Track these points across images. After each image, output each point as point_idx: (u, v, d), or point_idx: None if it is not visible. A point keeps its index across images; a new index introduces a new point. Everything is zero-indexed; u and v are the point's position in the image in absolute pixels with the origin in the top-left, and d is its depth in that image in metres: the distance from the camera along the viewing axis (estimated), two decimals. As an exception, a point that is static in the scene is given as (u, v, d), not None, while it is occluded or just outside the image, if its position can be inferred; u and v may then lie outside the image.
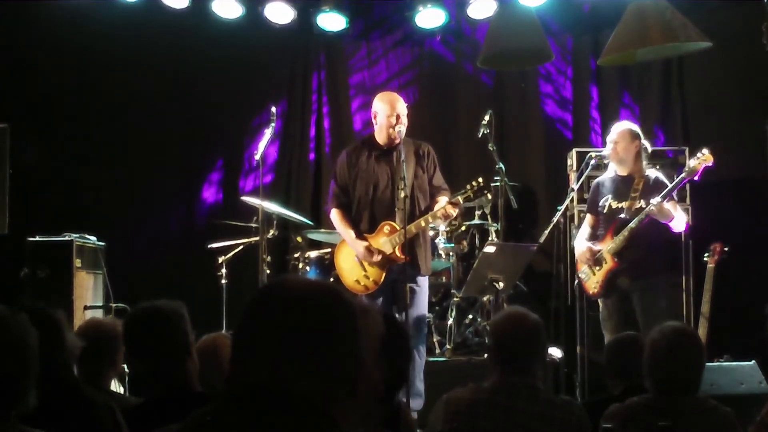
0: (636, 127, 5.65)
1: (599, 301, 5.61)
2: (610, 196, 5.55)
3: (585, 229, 5.72)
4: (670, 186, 5.31)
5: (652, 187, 5.41)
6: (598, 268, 5.47)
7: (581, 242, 5.66)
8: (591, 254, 5.49)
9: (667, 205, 5.27)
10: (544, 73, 7.48)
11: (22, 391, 2.01)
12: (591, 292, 5.56)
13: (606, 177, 5.66)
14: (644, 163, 5.55)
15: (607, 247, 5.42)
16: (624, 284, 5.45)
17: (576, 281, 5.73)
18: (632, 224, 5.32)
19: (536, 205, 7.33)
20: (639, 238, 5.35)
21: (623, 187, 5.51)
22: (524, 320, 3.04)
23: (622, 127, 5.63)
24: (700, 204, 6.33)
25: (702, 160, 5.22)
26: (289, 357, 1.43)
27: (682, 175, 5.29)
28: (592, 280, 5.51)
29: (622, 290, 5.46)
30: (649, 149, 5.67)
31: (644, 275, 5.41)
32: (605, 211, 5.54)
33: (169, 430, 1.52)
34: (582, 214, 6.31)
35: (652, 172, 5.57)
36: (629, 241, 5.34)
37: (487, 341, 5.81)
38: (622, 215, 5.41)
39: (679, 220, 5.37)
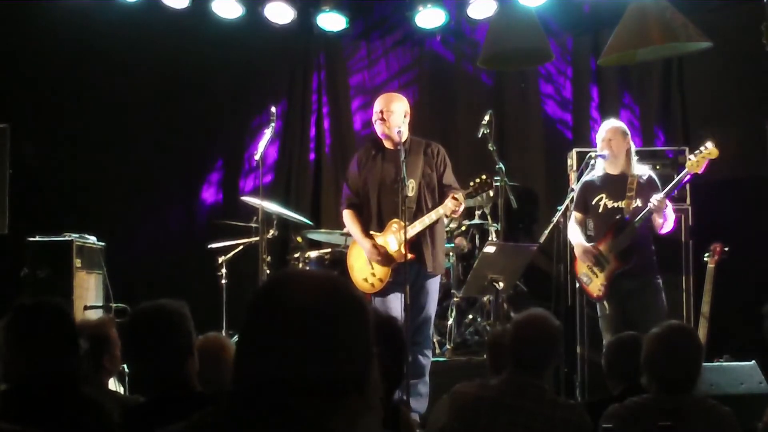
0: (624, 125, 5.65)
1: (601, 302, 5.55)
2: (604, 195, 5.49)
3: (575, 227, 5.64)
4: (671, 183, 5.29)
5: (646, 186, 5.39)
6: (599, 269, 5.43)
7: (579, 240, 5.56)
8: (592, 255, 5.44)
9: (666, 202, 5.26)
10: (544, 73, 7.48)
11: None
12: (595, 295, 5.47)
13: (595, 176, 5.59)
14: (633, 161, 5.52)
15: (608, 247, 5.40)
16: (625, 284, 5.41)
17: (577, 285, 5.67)
18: (636, 223, 5.30)
19: (536, 205, 7.33)
20: (641, 238, 5.35)
21: (617, 185, 5.46)
22: (546, 325, 3.07)
23: (612, 124, 5.60)
24: (700, 204, 6.33)
25: (706, 153, 5.16)
26: (297, 354, 1.40)
27: (684, 171, 5.23)
28: (595, 282, 5.45)
29: (624, 290, 5.42)
30: (633, 149, 5.55)
31: (645, 274, 5.40)
32: (600, 210, 5.48)
33: (170, 430, 1.49)
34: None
35: (643, 170, 5.53)
36: (632, 240, 5.33)
37: (486, 339, 5.81)
38: (621, 215, 5.40)
39: (669, 219, 5.35)
